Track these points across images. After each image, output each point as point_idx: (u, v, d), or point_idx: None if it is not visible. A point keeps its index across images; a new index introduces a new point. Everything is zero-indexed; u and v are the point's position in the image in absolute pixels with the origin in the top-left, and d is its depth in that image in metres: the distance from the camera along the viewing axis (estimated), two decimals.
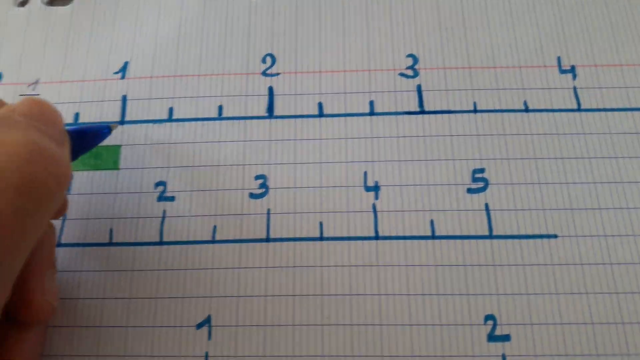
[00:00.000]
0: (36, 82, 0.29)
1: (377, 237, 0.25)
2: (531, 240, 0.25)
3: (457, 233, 0.25)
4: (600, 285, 0.24)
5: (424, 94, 0.28)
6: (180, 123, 0.28)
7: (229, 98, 0.28)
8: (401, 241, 0.25)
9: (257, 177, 0.27)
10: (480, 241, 0.25)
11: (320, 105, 0.28)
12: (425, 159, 0.27)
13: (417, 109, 0.28)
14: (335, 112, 0.28)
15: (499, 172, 0.26)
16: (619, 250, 0.25)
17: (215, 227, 0.26)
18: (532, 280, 0.24)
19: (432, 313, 0.24)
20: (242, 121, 0.28)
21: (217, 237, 0.26)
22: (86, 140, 0.25)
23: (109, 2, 0.31)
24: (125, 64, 0.29)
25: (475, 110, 0.27)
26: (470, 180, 0.26)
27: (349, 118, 0.27)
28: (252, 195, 0.26)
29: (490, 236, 0.25)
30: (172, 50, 0.29)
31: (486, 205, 0.26)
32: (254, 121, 0.28)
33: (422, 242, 0.25)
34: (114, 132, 0.27)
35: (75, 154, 0.23)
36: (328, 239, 0.25)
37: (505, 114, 0.27)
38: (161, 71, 0.29)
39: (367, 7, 0.30)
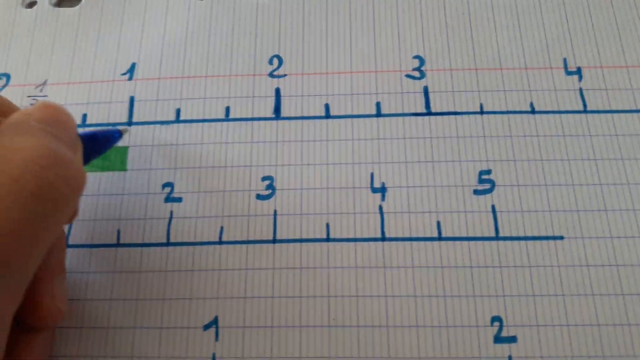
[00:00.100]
0: (44, 84, 0.29)
1: (383, 239, 0.25)
2: (537, 242, 0.25)
3: (464, 234, 0.25)
4: (607, 286, 0.24)
5: (431, 96, 0.28)
6: (188, 124, 0.28)
7: (236, 99, 0.28)
8: (407, 242, 0.25)
9: (264, 179, 0.27)
10: (486, 242, 0.25)
11: (327, 107, 0.28)
12: (431, 160, 0.27)
13: (424, 111, 0.28)
14: (342, 113, 0.28)
15: (506, 173, 0.26)
16: (625, 251, 0.25)
17: (222, 228, 0.26)
18: (539, 281, 0.24)
19: (439, 314, 0.24)
20: (249, 122, 0.28)
21: (224, 238, 0.26)
22: (97, 144, 0.25)
23: (117, 4, 0.31)
24: (133, 65, 0.29)
25: (481, 112, 0.27)
26: (476, 182, 0.26)
27: (355, 119, 0.28)
28: (259, 197, 0.26)
29: (497, 237, 0.25)
30: (180, 52, 0.30)
31: (492, 206, 0.26)
32: (261, 122, 0.28)
33: (429, 243, 0.25)
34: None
35: (87, 157, 0.23)
36: (335, 240, 0.25)
37: (511, 115, 0.27)
38: (168, 72, 0.29)
39: (373, 9, 0.30)
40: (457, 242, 0.25)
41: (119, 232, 0.26)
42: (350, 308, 0.24)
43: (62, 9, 0.31)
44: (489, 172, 0.26)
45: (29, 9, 0.31)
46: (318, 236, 0.26)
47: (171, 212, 0.26)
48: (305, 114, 0.28)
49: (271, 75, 0.29)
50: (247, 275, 0.25)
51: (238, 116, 0.28)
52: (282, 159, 0.27)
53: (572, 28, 0.29)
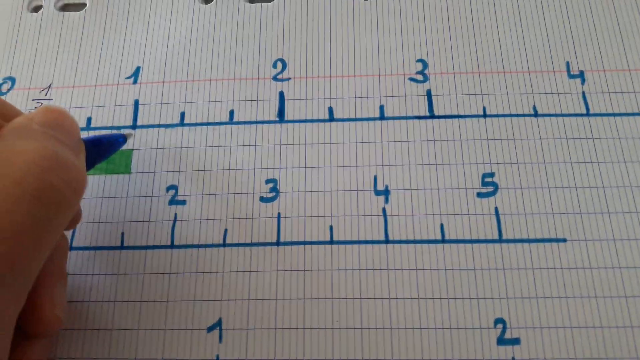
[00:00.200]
0: (49, 87, 0.29)
1: (387, 241, 0.25)
2: (540, 244, 0.25)
3: (467, 237, 0.25)
4: (610, 289, 0.24)
5: (434, 99, 0.28)
6: (192, 127, 0.28)
7: (240, 103, 0.28)
8: (411, 245, 0.25)
9: (268, 181, 0.27)
10: (490, 245, 0.25)
11: (330, 110, 0.28)
12: (435, 163, 0.27)
13: (427, 114, 0.28)
14: (346, 116, 0.28)
15: (509, 176, 0.26)
16: (628, 254, 0.25)
17: (226, 230, 0.26)
18: (542, 284, 0.24)
19: (442, 317, 0.24)
20: (253, 126, 0.28)
21: (228, 241, 0.26)
22: (102, 149, 0.25)
23: (121, 8, 0.31)
24: (137, 69, 0.30)
25: (484, 115, 0.28)
26: (480, 185, 0.26)
27: (359, 122, 0.28)
28: (263, 199, 0.27)
29: (500, 240, 0.25)
30: (184, 55, 0.30)
31: (496, 209, 0.26)
32: (265, 126, 0.28)
33: (432, 246, 0.25)
34: None
35: (91, 162, 0.23)
36: (338, 242, 0.26)
37: (514, 118, 0.27)
38: (173, 76, 0.29)
39: (377, 12, 0.30)
40: (461, 245, 0.25)
41: (123, 234, 0.26)
42: (353, 310, 0.24)
43: (67, 14, 0.31)
44: (492, 175, 0.26)
45: (34, 13, 0.31)
46: (322, 238, 0.26)
47: (175, 215, 0.26)
48: (309, 117, 0.28)
49: (275, 78, 0.29)
50: (251, 278, 0.25)
51: (242, 119, 0.28)
52: (286, 162, 0.27)
53: (574, 31, 0.29)
